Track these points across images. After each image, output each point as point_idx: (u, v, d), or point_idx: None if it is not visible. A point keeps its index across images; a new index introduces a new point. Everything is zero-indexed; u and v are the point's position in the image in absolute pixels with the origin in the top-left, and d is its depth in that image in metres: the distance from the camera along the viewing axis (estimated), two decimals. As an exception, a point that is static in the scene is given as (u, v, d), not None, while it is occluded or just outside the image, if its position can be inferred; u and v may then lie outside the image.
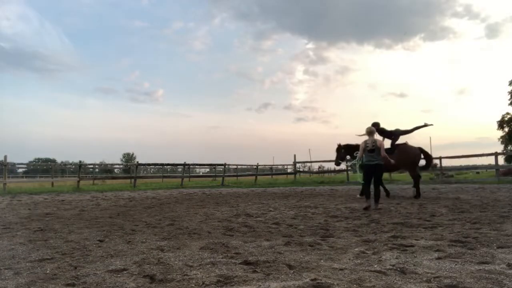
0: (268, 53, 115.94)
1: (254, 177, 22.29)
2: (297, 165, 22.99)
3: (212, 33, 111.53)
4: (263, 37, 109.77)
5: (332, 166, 33.41)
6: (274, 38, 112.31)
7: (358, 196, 9.62)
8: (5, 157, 14.45)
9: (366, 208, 7.04)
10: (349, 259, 3.18)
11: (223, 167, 21.36)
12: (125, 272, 2.89)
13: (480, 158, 18.60)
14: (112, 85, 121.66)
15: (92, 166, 24.55)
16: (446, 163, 20.97)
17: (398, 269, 2.81)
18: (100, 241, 4.21)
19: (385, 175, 20.40)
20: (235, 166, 27.86)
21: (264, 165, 26.72)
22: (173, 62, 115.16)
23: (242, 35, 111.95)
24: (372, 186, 7.40)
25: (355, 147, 9.79)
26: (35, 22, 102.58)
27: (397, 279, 2.58)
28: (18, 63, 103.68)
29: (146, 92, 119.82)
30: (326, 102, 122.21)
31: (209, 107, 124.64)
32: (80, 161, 18.30)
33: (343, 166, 13.97)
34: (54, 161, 65.88)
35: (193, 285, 2.54)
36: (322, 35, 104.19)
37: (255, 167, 23.77)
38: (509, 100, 31.77)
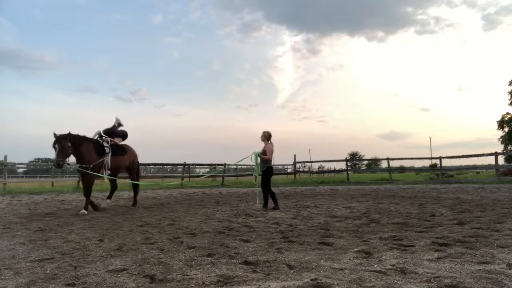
0: (256, 47, 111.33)
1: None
2: (297, 165, 22.99)
3: (195, 26, 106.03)
4: (250, 30, 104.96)
5: (332, 166, 33.48)
6: (263, 30, 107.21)
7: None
8: (5, 157, 14.45)
9: (276, 208, 7.26)
10: (349, 259, 3.18)
11: (223, 167, 21.35)
12: (125, 272, 2.89)
13: (480, 158, 18.56)
14: (95, 84, 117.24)
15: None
16: (446, 163, 20.98)
17: (398, 269, 2.81)
18: (100, 241, 4.21)
19: (386, 175, 20.52)
20: (235, 166, 27.87)
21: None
22: (154, 59, 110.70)
23: (228, 28, 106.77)
24: (261, 189, 7.62)
25: (82, 139, 7.39)
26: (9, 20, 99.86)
27: (397, 279, 2.58)
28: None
29: (130, 91, 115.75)
30: (320, 100, 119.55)
31: (196, 105, 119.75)
32: (80, 161, 18.23)
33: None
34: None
35: (193, 285, 2.54)
36: (313, 28, 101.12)
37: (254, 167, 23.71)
38: (509, 100, 31.82)
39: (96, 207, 7.45)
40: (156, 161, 19.73)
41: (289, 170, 25.49)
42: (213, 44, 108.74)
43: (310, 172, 26.64)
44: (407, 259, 3.11)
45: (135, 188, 8.94)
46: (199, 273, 2.82)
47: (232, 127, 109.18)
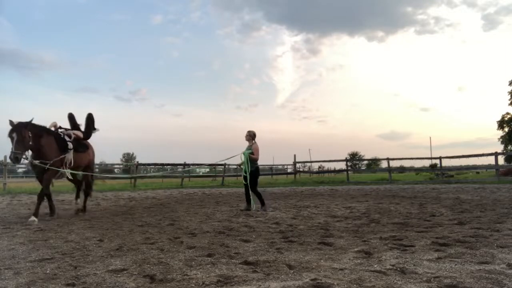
0: (256, 47, 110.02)
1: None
2: (297, 165, 22.98)
3: (195, 26, 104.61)
4: (250, 30, 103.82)
5: (332, 166, 33.50)
6: (263, 30, 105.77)
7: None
8: (5, 157, 14.44)
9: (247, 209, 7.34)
10: (349, 259, 3.18)
11: (223, 167, 21.34)
12: (125, 272, 2.89)
13: (480, 158, 18.61)
14: (94, 84, 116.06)
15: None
16: (446, 163, 21.01)
17: (398, 269, 2.81)
18: (100, 241, 4.21)
19: (386, 175, 20.52)
20: (235, 166, 27.87)
21: (264, 165, 26.73)
22: (154, 59, 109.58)
23: (228, 28, 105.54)
24: (249, 190, 7.53)
25: (43, 131, 6.35)
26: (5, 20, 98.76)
27: (397, 279, 2.58)
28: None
29: (130, 91, 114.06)
30: (320, 100, 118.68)
31: (196, 105, 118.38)
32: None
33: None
34: (54, 161, 65.54)
35: (193, 285, 2.54)
36: (313, 28, 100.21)
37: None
38: (509, 100, 31.83)
39: (52, 212, 6.53)
40: (156, 161, 19.79)
41: (289, 170, 25.49)
42: (213, 44, 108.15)
43: (310, 172, 26.66)
44: (407, 259, 3.11)
45: (88, 189, 7.58)
46: (199, 273, 2.82)
47: (232, 127, 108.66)
